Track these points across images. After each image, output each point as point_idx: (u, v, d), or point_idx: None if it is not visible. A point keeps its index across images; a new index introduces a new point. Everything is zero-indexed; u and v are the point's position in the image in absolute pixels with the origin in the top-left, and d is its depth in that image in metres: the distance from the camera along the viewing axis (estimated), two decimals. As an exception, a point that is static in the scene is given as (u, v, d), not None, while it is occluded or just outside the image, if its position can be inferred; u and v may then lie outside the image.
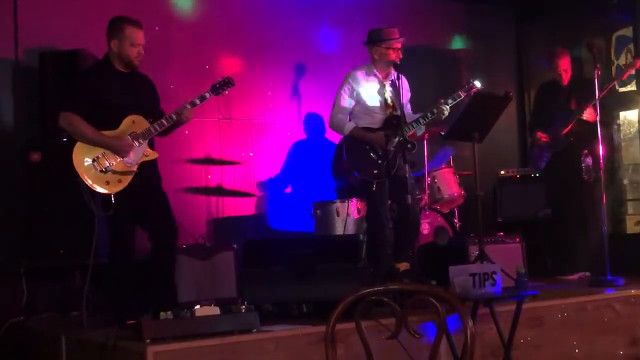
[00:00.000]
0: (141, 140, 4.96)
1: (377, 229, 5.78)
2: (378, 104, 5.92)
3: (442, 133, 6.11)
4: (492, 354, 4.82)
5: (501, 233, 6.29)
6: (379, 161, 5.80)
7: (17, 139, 6.30)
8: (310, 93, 7.74)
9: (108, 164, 4.86)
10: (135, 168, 4.94)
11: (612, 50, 8.55)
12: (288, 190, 7.49)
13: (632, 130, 8.31)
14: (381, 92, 5.94)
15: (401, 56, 5.90)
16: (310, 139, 7.73)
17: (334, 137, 6.61)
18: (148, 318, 4.07)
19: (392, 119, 5.86)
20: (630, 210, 8.22)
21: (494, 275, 4.63)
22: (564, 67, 6.95)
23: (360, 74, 5.97)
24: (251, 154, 7.50)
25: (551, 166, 6.94)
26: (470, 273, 4.62)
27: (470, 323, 2.62)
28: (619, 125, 8.31)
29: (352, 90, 5.92)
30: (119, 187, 4.88)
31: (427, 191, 6.80)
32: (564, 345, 5.19)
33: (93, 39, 6.40)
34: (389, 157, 5.74)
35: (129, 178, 4.92)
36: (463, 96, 5.89)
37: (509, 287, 5.14)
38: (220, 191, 7.35)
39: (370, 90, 5.93)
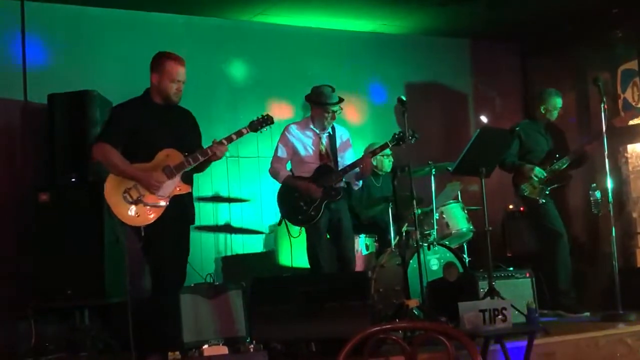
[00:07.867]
0: (174, 174, 4.91)
1: (313, 268, 6.05)
2: (312, 155, 6.15)
3: (449, 168, 6.11)
4: (504, 391, 4.77)
5: (511, 268, 6.25)
6: (304, 207, 5.99)
7: (27, 180, 6.33)
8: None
9: (139, 195, 4.81)
10: (166, 201, 4.89)
11: (618, 84, 8.57)
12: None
13: (640, 162, 8.30)
14: (317, 144, 6.18)
15: (335, 118, 6.14)
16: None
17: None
18: (156, 358, 4.05)
19: (323, 168, 6.10)
20: (640, 244, 8.16)
21: (504, 311, 4.60)
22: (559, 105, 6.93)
23: (296, 128, 6.23)
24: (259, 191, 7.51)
25: (554, 200, 6.88)
26: (480, 309, 4.59)
27: (480, 361, 2.60)
28: (627, 158, 8.29)
29: (288, 142, 6.18)
30: (149, 220, 4.82)
31: (436, 227, 6.77)
32: (576, 381, 5.13)
33: (101, 81, 6.52)
34: (315, 204, 5.96)
35: (160, 211, 4.85)
36: (389, 147, 6.09)
37: (519, 322, 5.11)
38: (228, 229, 7.35)
39: (305, 143, 6.18)
